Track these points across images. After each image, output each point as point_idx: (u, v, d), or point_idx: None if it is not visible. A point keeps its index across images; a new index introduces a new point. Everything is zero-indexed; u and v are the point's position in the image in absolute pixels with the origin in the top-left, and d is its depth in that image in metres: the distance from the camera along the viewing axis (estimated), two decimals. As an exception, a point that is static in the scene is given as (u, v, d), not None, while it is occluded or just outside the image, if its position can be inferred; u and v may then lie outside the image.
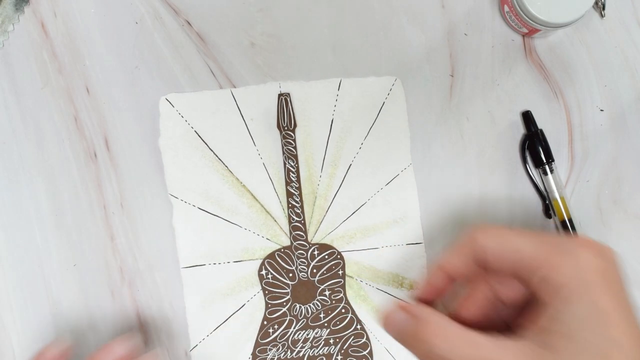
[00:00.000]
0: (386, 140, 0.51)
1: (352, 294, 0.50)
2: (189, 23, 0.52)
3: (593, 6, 0.52)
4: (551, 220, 0.52)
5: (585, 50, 0.53)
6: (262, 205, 0.49)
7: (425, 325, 0.36)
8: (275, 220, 0.50)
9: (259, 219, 0.50)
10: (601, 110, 0.53)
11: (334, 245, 0.50)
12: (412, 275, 0.50)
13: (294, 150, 0.50)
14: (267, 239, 0.50)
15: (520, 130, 0.52)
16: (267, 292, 0.49)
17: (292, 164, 0.49)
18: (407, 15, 0.52)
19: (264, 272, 0.49)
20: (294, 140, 0.50)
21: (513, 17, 0.50)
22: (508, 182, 0.52)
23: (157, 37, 0.51)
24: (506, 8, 0.51)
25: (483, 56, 0.52)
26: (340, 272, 0.49)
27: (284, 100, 0.50)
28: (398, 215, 0.50)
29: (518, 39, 0.53)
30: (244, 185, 0.50)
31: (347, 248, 0.50)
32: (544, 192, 0.52)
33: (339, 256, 0.49)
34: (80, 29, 0.51)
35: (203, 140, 0.50)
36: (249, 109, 0.50)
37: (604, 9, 0.53)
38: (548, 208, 0.52)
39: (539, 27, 0.49)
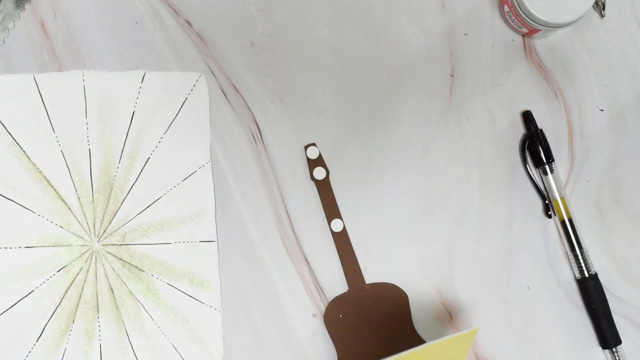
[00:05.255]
0: (186, 136, 0.51)
1: (142, 287, 0.49)
2: (189, 23, 0.52)
3: (593, 6, 0.52)
4: (551, 220, 0.52)
5: (585, 50, 0.53)
6: (57, 193, 0.49)
7: None
8: (69, 208, 0.49)
9: (54, 206, 0.49)
10: (601, 110, 0.53)
11: (127, 238, 0.50)
12: (203, 272, 0.50)
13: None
14: (60, 226, 0.49)
15: (520, 130, 0.52)
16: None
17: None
18: (407, 15, 0.52)
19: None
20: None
21: (513, 17, 0.50)
22: (508, 182, 0.52)
23: (157, 37, 0.51)
24: (506, 8, 0.51)
25: (483, 56, 0.52)
26: None
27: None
28: (193, 212, 0.50)
29: (518, 39, 0.53)
30: (40, 171, 0.49)
31: (140, 241, 0.50)
32: (544, 192, 0.52)
33: None
34: (80, 29, 0.51)
35: (1, 123, 0.49)
36: (50, 96, 0.50)
37: (604, 9, 0.53)
38: (548, 208, 0.52)
39: (539, 27, 0.49)
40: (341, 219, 0.51)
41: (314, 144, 0.51)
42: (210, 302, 0.50)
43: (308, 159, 0.51)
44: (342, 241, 0.51)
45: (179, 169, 0.51)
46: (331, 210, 0.51)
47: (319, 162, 0.51)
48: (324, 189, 0.51)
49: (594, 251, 0.52)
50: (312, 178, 0.51)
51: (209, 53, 0.51)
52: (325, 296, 0.50)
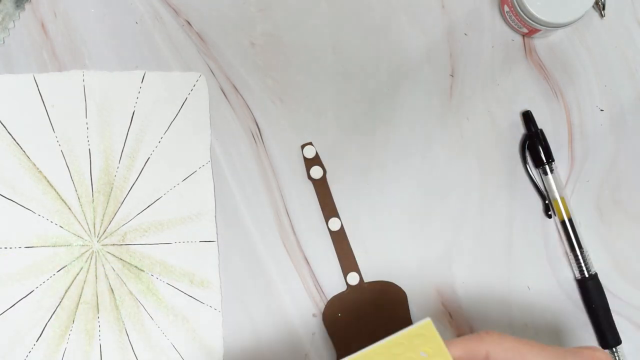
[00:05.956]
0: (186, 136, 0.51)
1: (142, 287, 0.49)
2: (189, 23, 0.52)
3: (593, 6, 0.52)
4: (551, 220, 0.52)
5: (585, 50, 0.53)
6: (57, 193, 0.49)
7: None
8: (69, 208, 0.49)
9: (54, 206, 0.49)
10: (601, 110, 0.53)
11: (127, 238, 0.50)
12: (203, 272, 0.50)
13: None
14: (60, 226, 0.49)
15: (520, 130, 0.52)
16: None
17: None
18: (407, 15, 0.52)
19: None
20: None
21: (513, 17, 0.50)
22: (508, 182, 0.52)
23: (157, 37, 0.51)
24: (506, 8, 0.51)
25: (483, 56, 0.52)
26: None
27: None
28: (193, 212, 0.50)
29: (518, 39, 0.53)
30: (40, 171, 0.49)
31: (140, 241, 0.50)
32: (544, 192, 0.52)
33: None
34: (80, 29, 0.51)
35: (1, 123, 0.49)
36: (50, 96, 0.50)
37: (604, 9, 0.53)
38: (548, 208, 0.52)
39: (539, 27, 0.49)
40: (339, 217, 0.51)
41: (310, 143, 0.51)
42: (210, 302, 0.50)
43: (305, 158, 0.51)
44: (339, 240, 0.51)
45: (179, 169, 0.51)
46: (328, 209, 0.51)
47: (315, 161, 0.51)
48: (321, 188, 0.51)
49: (594, 251, 0.52)
50: (309, 177, 0.51)
51: (209, 53, 0.51)
52: (325, 296, 0.50)
